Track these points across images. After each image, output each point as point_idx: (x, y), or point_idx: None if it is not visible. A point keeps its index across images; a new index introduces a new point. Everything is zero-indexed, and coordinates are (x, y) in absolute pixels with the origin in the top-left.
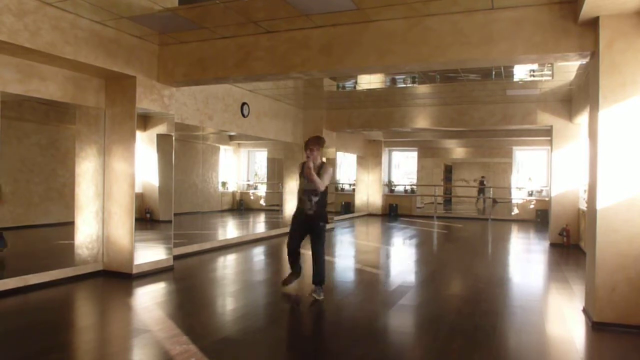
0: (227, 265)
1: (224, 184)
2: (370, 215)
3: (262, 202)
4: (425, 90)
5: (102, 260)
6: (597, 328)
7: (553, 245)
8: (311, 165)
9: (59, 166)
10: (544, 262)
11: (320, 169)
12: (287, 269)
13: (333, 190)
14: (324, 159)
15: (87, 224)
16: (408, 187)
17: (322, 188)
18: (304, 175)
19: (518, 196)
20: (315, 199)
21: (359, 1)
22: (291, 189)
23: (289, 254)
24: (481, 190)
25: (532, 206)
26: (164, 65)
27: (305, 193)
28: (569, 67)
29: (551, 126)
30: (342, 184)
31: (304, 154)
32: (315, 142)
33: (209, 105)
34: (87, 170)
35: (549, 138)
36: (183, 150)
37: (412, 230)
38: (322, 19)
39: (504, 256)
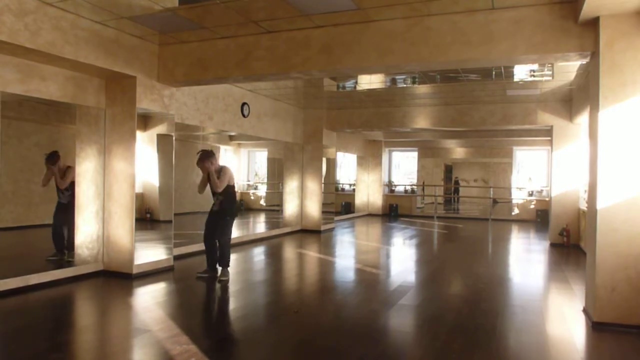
0: None
1: None
2: (371, 215)
3: (262, 202)
4: (426, 90)
5: (103, 260)
6: (597, 328)
7: (553, 245)
8: (212, 170)
9: None
10: (544, 262)
11: (220, 172)
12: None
13: (333, 191)
14: (223, 165)
15: (87, 223)
16: (411, 187)
17: (219, 188)
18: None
19: (518, 196)
20: (220, 198)
21: (359, 1)
22: (291, 189)
23: (204, 243)
24: (456, 190)
25: (532, 206)
26: (164, 65)
27: (213, 194)
28: (569, 67)
29: (551, 126)
30: (342, 184)
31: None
32: (204, 158)
33: (209, 105)
34: (87, 170)
35: (549, 138)
36: (183, 150)
37: (412, 231)
38: (323, 19)
39: (504, 256)
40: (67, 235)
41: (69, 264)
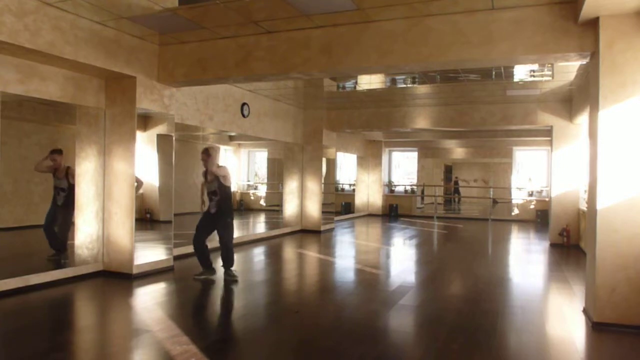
0: None
1: None
2: (371, 215)
3: (262, 202)
4: (426, 90)
5: (103, 260)
6: (597, 328)
7: (553, 246)
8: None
9: None
10: (544, 263)
11: (224, 171)
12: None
13: (333, 191)
14: (222, 165)
15: (87, 224)
16: (412, 188)
17: (226, 182)
18: (207, 181)
19: (518, 196)
20: (215, 198)
21: (359, 1)
22: (291, 189)
23: (194, 247)
24: (456, 190)
25: (532, 206)
26: (164, 65)
27: (208, 195)
28: (569, 67)
29: (551, 126)
30: (342, 184)
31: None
32: (204, 153)
33: (209, 106)
34: (87, 170)
35: (549, 138)
36: (183, 151)
37: (412, 231)
38: (323, 19)
39: (504, 256)
40: (59, 235)
41: (64, 264)
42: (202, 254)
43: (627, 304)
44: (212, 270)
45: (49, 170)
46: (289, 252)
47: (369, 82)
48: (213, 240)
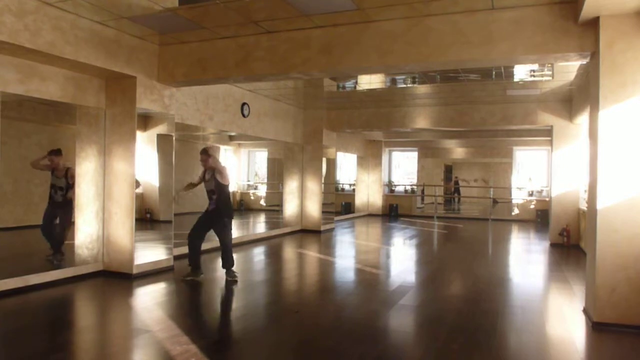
0: None
1: None
2: (371, 215)
3: (262, 202)
4: (426, 90)
5: (103, 260)
6: (597, 328)
7: (553, 246)
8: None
9: None
10: (544, 262)
11: (222, 170)
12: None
13: (333, 191)
14: (222, 164)
15: (87, 224)
16: (411, 187)
17: (224, 181)
18: (205, 180)
19: (518, 196)
20: (214, 197)
21: (359, 1)
22: (291, 189)
23: (189, 241)
24: (456, 189)
25: (532, 206)
26: (164, 65)
27: (207, 193)
28: (569, 67)
29: (551, 126)
30: (342, 184)
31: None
32: (204, 154)
33: (209, 106)
34: (87, 170)
35: (549, 138)
36: (183, 150)
37: (413, 231)
38: (323, 19)
39: (504, 256)
40: (58, 234)
41: (59, 265)
42: (193, 251)
43: (627, 304)
44: (198, 272)
45: (46, 169)
46: (289, 252)
47: (369, 82)
48: (214, 241)
